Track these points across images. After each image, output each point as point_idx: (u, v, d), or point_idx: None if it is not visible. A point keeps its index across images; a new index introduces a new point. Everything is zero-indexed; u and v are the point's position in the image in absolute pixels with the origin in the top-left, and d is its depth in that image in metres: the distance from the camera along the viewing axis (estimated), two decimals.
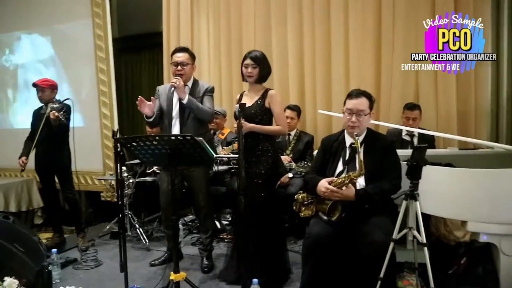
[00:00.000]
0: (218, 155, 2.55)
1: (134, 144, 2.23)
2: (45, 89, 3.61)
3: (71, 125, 3.60)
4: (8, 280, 2.43)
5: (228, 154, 3.52)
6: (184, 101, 2.89)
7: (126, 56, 5.89)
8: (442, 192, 2.30)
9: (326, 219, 2.24)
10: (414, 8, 3.58)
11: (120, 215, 2.50)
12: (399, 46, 3.64)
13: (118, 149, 2.37)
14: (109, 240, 3.88)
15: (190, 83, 3.06)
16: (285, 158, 3.72)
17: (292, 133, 3.94)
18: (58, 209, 3.82)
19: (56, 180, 3.74)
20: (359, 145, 2.18)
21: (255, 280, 2.38)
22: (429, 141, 3.33)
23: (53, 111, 3.29)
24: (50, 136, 3.52)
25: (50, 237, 3.95)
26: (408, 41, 3.62)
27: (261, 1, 4.18)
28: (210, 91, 3.08)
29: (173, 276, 2.29)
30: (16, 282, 2.46)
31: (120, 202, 2.44)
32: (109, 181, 4.12)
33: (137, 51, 5.83)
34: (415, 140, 3.46)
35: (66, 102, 3.54)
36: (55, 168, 3.65)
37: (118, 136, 2.33)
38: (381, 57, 3.75)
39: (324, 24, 3.92)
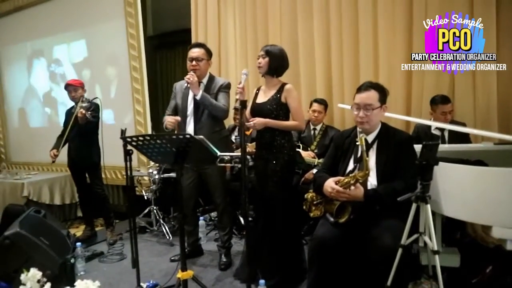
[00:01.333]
0: (222, 154, 2.50)
1: (140, 143, 2.25)
2: (78, 87, 3.78)
3: (100, 122, 3.75)
4: (32, 271, 2.57)
5: (252, 150, 3.48)
6: (198, 97, 2.88)
7: (161, 53, 6.02)
8: (465, 193, 2.09)
9: (332, 221, 2.13)
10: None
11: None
12: None
13: (127, 148, 2.40)
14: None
15: (205, 80, 3.05)
16: (308, 154, 3.63)
17: (318, 127, 3.82)
18: (89, 204, 4.00)
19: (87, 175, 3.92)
20: (363, 143, 2.03)
21: (261, 281, 2.34)
22: (462, 135, 3.05)
23: (81, 110, 3.44)
24: (80, 134, 3.70)
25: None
26: None
27: None
28: (225, 87, 3.04)
29: (180, 274, 2.30)
30: (40, 273, 2.59)
31: (129, 199, 2.48)
32: (137, 177, 4.24)
33: (171, 47, 5.92)
34: (446, 134, 3.19)
35: (94, 101, 3.69)
36: (85, 164, 3.82)
37: (125, 135, 2.36)
38: (412, 47, 3.49)
39: (352, 15, 3.72)
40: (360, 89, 2.20)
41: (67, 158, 3.90)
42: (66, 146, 3.91)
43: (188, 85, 2.87)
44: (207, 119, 2.97)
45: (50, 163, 5.50)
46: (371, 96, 2.14)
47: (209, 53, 3.07)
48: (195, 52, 2.99)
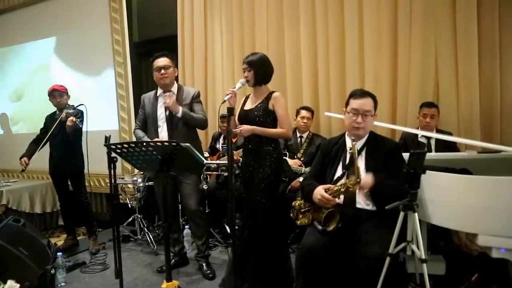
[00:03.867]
0: (208, 162, 2.47)
1: (125, 150, 2.21)
2: (63, 93, 3.71)
3: (84, 129, 3.67)
4: (9, 283, 2.48)
5: (238, 158, 3.45)
6: (179, 115, 2.91)
7: (146, 59, 5.95)
8: (450, 201, 2.10)
9: (320, 229, 2.11)
10: (432, 3, 3.35)
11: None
12: (417, 44, 3.42)
13: (112, 155, 2.35)
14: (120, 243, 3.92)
15: (175, 88, 3.08)
16: (295, 162, 3.62)
17: (304, 135, 3.82)
18: (71, 212, 3.89)
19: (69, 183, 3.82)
20: (356, 151, 2.02)
21: None
22: (449, 144, 3.09)
23: (71, 117, 3.37)
24: (64, 141, 3.60)
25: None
26: (426, 37, 3.39)
27: (273, 2, 4.08)
28: (197, 97, 3.10)
29: (164, 285, 2.25)
30: (17, 285, 2.50)
31: (113, 207, 2.42)
32: (121, 185, 4.16)
33: None
34: (433, 143, 3.23)
35: (80, 107, 3.61)
36: (69, 172, 3.73)
37: (110, 142, 2.31)
38: (397, 56, 3.54)
39: (338, 24, 3.76)
40: (356, 95, 2.20)
41: (49, 166, 3.80)
42: (48, 153, 3.81)
43: (167, 107, 2.92)
44: (183, 128, 2.99)
45: (30, 170, 5.46)
46: (369, 103, 2.17)
47: (173, 61, 3.11)
48: (161, 61, 3.02)
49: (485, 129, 3.29)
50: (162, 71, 2.97)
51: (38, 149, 3.72)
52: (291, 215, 2.35)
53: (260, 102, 2.69)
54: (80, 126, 3.50)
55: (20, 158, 3.74)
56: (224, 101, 2.50)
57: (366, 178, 2.05)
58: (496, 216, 1.95)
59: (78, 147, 3.71)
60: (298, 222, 2.30)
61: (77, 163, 3.72)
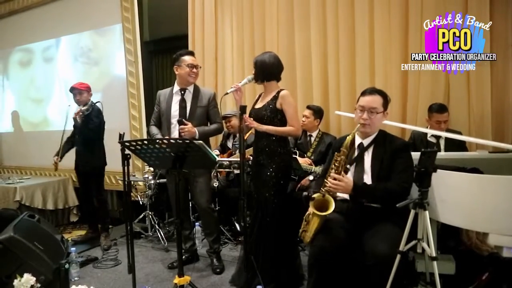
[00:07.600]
0: (220, 159, 2.51)
1: (139, 147, 2.25)
2: (83, 91, 3.77)
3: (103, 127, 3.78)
4: (25, 276, 2.54)
5: (248, 156, 3.48)
6: (197, 137, 2.96)
7: (157, 58, 6.01)
8: (461, 200, 2.11)
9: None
10: (443, 2, 3.34)
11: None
12: None
13: (125, 152, 2.39)
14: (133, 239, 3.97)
15: (191, 88, 3.13)
16: (305, 161, 3.63)
17: (314, 134, 3.83)
18: (91, 207, 3.97)
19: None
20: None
21: (259, 287, 2.33)
22: (458, 144, 3.09)
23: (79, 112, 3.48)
24: (83, 139, 3.68)
25: (83, 234, 4.17)
26: None
27: (284, 1, 4.10)
28: (213, 100, 3.15)
29: (176, 280, 2.29)
30: (33, 279, 2.55)
31: (126, 204, 2.46)
32: (132, 182, 4.21)
33: (168, 53, 5.92)
34: (442, 142, 3.22)
35: (96, 105, 3.68)
36: (88, 169, 3.81)
37: (124, 140, 2.35)
38: (407, 55, 3.53)
39: (348, 23, 3.77)
40: (365, 93, 2.24)
41: (75, 162, 3.94)
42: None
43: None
44: (197, 126, 3.02)
45: (43, 167, 5.57)
46: (376, 100, 2.19)
47: None
48: (195, 59, 3.11)
49: (496, 129, 3.28)
50: (194, 69, 3.06)
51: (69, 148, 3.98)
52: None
53: (268, 101, 2.71)
54: (96, 121, 3.58)
55: (53, 157, 3.92)
56: (227, 93, 2.58)
57: (348, 182, 2.06)
58: (507, 215, 1.95)
59: (96, 146, 3.78)
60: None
61: (94, 161, 3.80)
